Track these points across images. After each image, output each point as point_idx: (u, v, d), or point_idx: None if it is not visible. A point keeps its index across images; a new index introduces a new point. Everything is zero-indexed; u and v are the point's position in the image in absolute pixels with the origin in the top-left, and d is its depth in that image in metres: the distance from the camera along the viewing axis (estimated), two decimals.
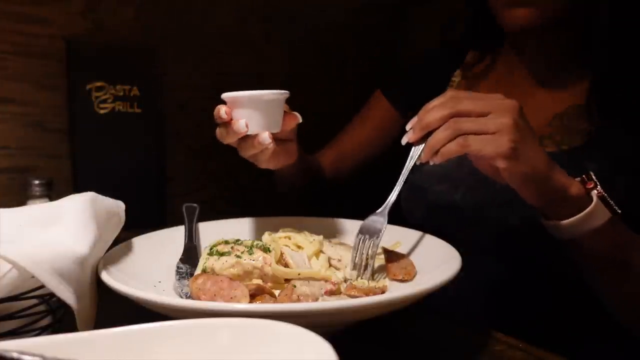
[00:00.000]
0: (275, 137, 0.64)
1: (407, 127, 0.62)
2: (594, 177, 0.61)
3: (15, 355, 0.31)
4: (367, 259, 0.61)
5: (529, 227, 0.73)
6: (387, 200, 0.64)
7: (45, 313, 0.47)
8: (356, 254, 0.62)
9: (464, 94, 0.60)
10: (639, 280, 0.64)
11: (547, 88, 0.80)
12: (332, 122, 1.03)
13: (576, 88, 0.77)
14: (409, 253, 0.65)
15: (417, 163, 0.61)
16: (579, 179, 0.61)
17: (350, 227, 0.64)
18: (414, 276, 0.59)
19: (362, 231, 0.63)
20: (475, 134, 0.56)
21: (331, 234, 0.73)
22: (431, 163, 0.59)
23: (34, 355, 0.31)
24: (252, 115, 0.61)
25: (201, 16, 1.20)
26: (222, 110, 0.62)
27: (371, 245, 0.62)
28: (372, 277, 0.62)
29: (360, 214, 0.68)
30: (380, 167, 0.91)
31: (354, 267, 0.62)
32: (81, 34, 1.03)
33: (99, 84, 1.04)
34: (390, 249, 0.65)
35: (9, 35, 0.97)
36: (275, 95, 0.62)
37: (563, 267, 0.72)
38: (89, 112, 1.03)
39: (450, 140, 0.57)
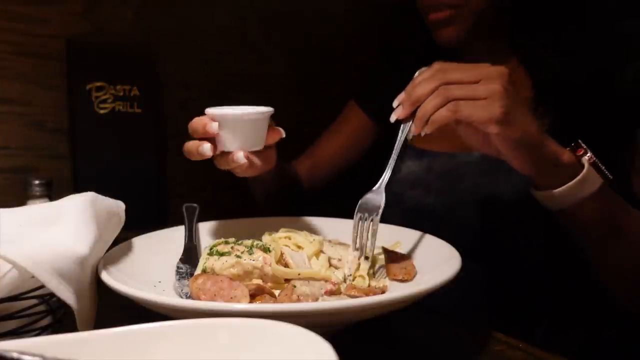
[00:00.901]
0: None
1: (395, 104, 0.61)
2: (583, 144, 0.60)
3: (15, 355, 0.31)
4: (368, 237, 0.60)
5: (497, 226, 0.73)
6: (382, 177, 0.62)
7: (45, 313, 0.47)
8: (357, 233, 0.61)
9: (451, 65, 0.59)
10: (630, 245, 0.64)
11: None
12: (332, 122, 1.03)
13: (529, 81, 0.78)
14: (409, 253, 0.65)
15: (409, 138, 0.60)
16: (569, 148, 0.61)
17: (351, 227, 0.64)
18: (414, 276, 0.59)
19: (360, 209, 0.62)
20: (466, 100, 0.55)
21: (331, 234, 0.73)
22: (422, 134, 0.57)
23: (34, 355, 0.31)
24: (233, 132, 0.60)
25: (201, 16, 1.20)
26: (211, 124, 0.60)
27: (371, 223, 0.60)
28: (373, 269, 0.62)
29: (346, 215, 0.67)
30: (369, 168, 0.91)
31: (356, 248, 0.61)
32: (81, 34, 1.04)
33: (99, 84, 1.04)
34: (390, 249, 0.65)
35: (9, 35, 0.97)
36: (257, 114, 0.61)
37: (537, 265, 0.73)
38: (89, 112, 1.03)
39: (440, 108, 0.56)
